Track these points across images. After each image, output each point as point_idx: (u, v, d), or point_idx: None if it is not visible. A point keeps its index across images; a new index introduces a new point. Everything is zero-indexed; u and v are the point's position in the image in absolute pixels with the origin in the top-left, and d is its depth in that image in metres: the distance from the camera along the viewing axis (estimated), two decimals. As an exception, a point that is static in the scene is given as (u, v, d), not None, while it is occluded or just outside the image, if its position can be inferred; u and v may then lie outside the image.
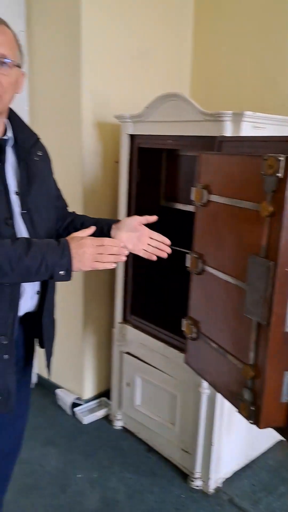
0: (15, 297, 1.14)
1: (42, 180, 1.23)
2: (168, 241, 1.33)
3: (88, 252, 1.08)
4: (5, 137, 1.17)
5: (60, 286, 2.33)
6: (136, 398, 2.14)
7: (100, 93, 2.08)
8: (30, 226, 1.16)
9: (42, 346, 1.34)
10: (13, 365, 1.17)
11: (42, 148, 1.29)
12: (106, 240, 1.12)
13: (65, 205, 1.45)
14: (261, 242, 1.19)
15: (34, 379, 2.62)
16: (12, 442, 1.46)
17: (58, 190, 1.42)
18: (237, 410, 1.33)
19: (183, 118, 1.68)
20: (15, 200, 1.15)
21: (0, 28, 1.10)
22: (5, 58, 1.08)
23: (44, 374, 2.60)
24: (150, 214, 2.12)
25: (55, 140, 2.17)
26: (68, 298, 2.34)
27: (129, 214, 2.00)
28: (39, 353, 2.62)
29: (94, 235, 1.18)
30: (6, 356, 1.14)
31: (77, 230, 1.23)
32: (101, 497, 1.87)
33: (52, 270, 1.06)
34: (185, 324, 1.61)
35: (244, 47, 2.14)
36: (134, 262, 2.06)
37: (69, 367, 2.43)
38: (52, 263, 1.05)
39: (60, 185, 2.16)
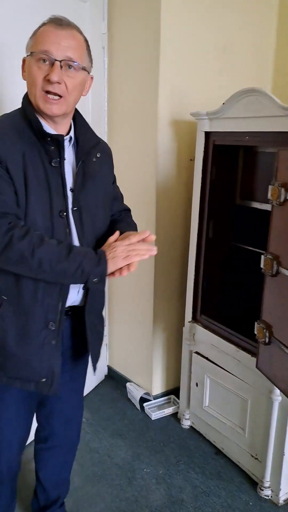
0: (65, 287, 1.21)
1: (97, 181, 1.27)
2: (147, 233, 1.26)
3: (120, 251, 1.17)
4: (66, 136, 1.22)
5: (131, 282, 2.38)
6: (205, 398, 2.12)
7: (178, 91, 2.07)
8: (79, 222, 1.22)
9: (89, 344, 1.33)
10: (59, 351, 1.24)
11: (103, 151, 1.33)
12: (135, 237, 1.20)
13: (120, 209, 1.48)
14: None
15: (105, 371, 2.70)
16: (72, 430, 1.54)
17: (116, 193, 1.45)
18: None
19: (262, 113, 1.61)
20: (69, 196, 1.21)
21: (72, 33, 1.14)
22: (73, 61, 1.12)
23: (115, 367, 2.67)
24: (224, 213, 2.09)
25: (131, 138, 2.22)
26: (138, 294, 2.38)
27: (202, 213, 1.98)
28: (111, 347, 2.69)
29: None
30: (53, 342, 1.22)
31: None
32: (166, 494, 1.88)
33: (87, 276, 1.14)
34: (257, 327, 1.56)
35: None
36: (206, 260, 2.03)
37: (139, 362, 2.47)
38: (88, 270, 1.13)
39: (133, 183, 2.22)
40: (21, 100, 1.23)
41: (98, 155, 1.29)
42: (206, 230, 2.00)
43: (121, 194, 1.51)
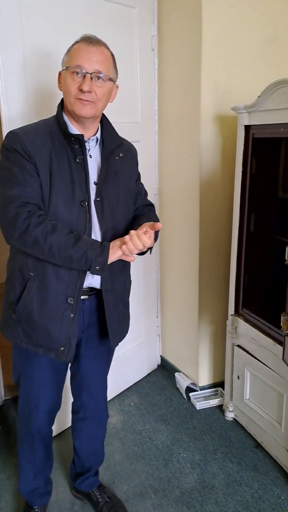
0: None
1: (118, 176, 1.43)
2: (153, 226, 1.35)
3: (116, 245, 1.32)
4: (93, 137, 1.39)
5: (179, 276, 2.46)
6: (246, 391, 2.13)
7: (222, 86, 2.11)
8: (101, 212, 1.37)
9: (108, 322, 1.46)
10: (76, 325, 1.39)
11: (126, 151, 1.48)
12: (131, 233, 1.31)
13: (143, 204, 1.59)
14: None
15: (157, 360, 2.81)
16: (99, 404, 1.67)
17: (139, 189, 1.58)
18: None
19: (294, 104, 1.60)
20: (93, 189, 1.37)
21: (100, 49, 1.31)
22: (101, 73, 1.29)
23: (167, 357, 2.77)
24: (266, 206, 2.09)
25: (178, 135, 2.30)
26: (184, 286, 2.45)
27: (243, 207, 1.99)
28: (163, 338, 2.79)
29: None
30: (71, 315, 1.38)
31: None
32: (198, 478, 1.94)
33: (90, 264, 1.28)
34: (282, 320, 1.56)
35: None
36: (247, 254, 2.04)
37: (187, 354, 2.54)
38: (91, 259, 1.27)
39: (180, 178, 2.29)
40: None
41: (120, 155, 1.44)
42: (247, 224, 2.02)
43: (145, 190, 1.64)
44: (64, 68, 1.32)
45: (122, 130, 1.52)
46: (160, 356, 2.82)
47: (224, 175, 2.21)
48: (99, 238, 1.38)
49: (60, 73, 1.35)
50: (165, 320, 2.73)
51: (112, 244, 1.33)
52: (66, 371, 1.57)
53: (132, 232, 1.30)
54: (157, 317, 2.74)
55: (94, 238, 1.37)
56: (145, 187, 1.64)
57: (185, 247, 2.37)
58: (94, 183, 1.38)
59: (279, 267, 2.08)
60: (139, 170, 1.60)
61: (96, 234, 1.38)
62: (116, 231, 1.41)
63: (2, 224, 1.28)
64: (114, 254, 1.31)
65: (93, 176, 1.39)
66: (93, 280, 1.41)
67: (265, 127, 1.82)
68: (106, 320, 1.45)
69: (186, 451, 2.10)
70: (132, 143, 1.57)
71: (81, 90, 1.28)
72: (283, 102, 1.67)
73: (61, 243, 1.25)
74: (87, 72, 1.28)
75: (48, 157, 1.29)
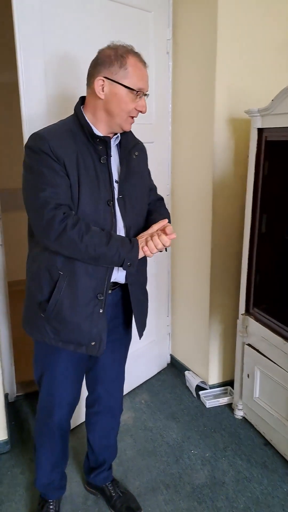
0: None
1: (136, 175, 1.49)
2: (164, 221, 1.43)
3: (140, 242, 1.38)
4: (114, 137, 1.44)
5: (191, 276, 2.50)
6: (256, 390, 2.16)
7: (236, 90, 2.15)
8: (123, 209, 1.42)
9: (135, 315, 1.56)
10: (105, 319, 1.44)
11: (140, 150, 1.54)
12: (154, 226, 1.40)
13: (155, 198, 1.66)
14: None
15: (167, 359, 2.85)
16: (114, 397, 1.71)
17: (151, 184, 1.63)
18: None
19: (307, 108, 1.64)
20: (115, 187, 1.41)
21: (145, 66, 1.38)
22: (147, 91, 1.39)
23: (177, 355, 2.81)
24: (278, 207, 2.12)
25: (192, 137, 2.34)
26: (195, 286, 2.48)
27: (255, 208, 2.03)
28: (173, 337, 2.83)
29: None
30: (101, 310, 1.43)
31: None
32: (209, 475, 1.97)
33: (122, 260, 1.34)
34: (294, 317, 1.59)
35: None
36: (259, 255, 2.07)
37: (197, 352, 2.58)
38: (123, 256, 1.33)
39: (193, 179, 2.33)
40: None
41: (136, 154, 1.50)
42: (259, 225, 2.05)
43: (155, 186, 1.69)
44: (121, 84, 1.32)
45: (137, 131, 1.55)
46: (170, 354, 2.86)
47: (236, 176, 2.25)
48: (123, 235, 1.44)
49: (103, 80, 1.33)
50: (175, 319, 2.77)
51: (141, 239, 1.39)
52: (86, 365, 1.61)
53: (153, 231, 1.37)
54: (167, 316, 2.78)
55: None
56: (159, 187, 1.70)
57: (197, 246, 2.41)
58: (115, 181, 1.43)
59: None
60: (153, 170, 1.66)
61: (120, 231, 1.43)
62: (138, 227, 1.48)
63: (38, 226, 1.31)
64: (141, 250, 1.37)
65: (114, 175, 1.44)
66: (118, 275, 1.46)
67: (278, 130, 1.85)
68: (130, 312, 1.53)
69: (197, 448, 2.14)
70: (146, 144, 1.63)
71: (139, 111, 1.38)
72: (296, 105, 1.70)
73: (95, 242, 1.29)
74: (144, 94, 1.37)
75: (75, 158, 1.33)
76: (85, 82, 1.41)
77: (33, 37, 1.75)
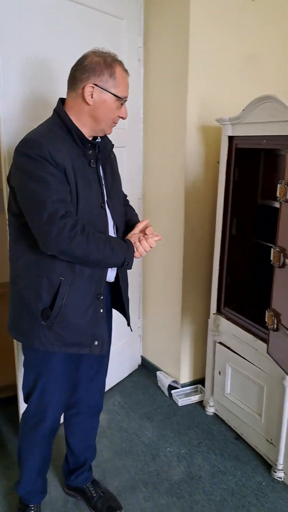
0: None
1: (117, 176, 1.57)
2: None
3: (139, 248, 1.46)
4: (98, 141, 1.47)
5: (162, 277, 2.56)
6: (227, 386, 2.25)
7: (207, 99, 2.24)
8: (113, 210, 1.49)
9: (123, 309, 1.65)
10: (105, 317, 1.50)
11: (113, 152, 1.60)
12: (139, 225, 1.51)
13: (124, 196, 1.73)
14: None
15: (138, 360, 2.89)
16: (96, 396, 1.74)
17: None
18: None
19: (276, 118, 1.74)
20: (103, 190, 1.46)
21: (128, 75, 1.44)
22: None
23: (148, 357, 2.86)
24: (247, 211, 2.23)
25: (163, 143, 2.41)
26: (167, 288, 2.55)
27: (226, 212, 2.12)
28: (144, 338, 2.87)
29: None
30: (101, 310, 1.47)
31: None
32: (186, 470, 2.03)
33: (123, 261, 1.40)
34: (267, 315, 1.68)
35: None
36: (230, 256, 2.17)
37: (169, 352, 2.64)
38: (124, 256, 1.40)
39: (165, 184, 2.41)
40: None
41: (112, 156, 1.57)
42: (230, 228, 2.15)
43: None
44: (111, 93, 1.37)
45: (111, 136, 1.60)
46: (141, 356, 2.90)
47: (207, 181, 2.34)
48: (114, 236, 1.50)
49: (93, 87, 1.35)
50: (146, 321, 2.82)
51: (132, 239, 1.45)
52: (77, 366, 1.62)
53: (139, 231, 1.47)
54: (139, 318, 2.82)
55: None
56: (130, 190, 1.81)
57: (169, 249, 2.48)
58: (102, 184, 1.47)
59: (258, 268, 2.23)
60: (125, 174, 1.72)
61: (111, 232, 1.48)
62: (123, 226, 1.55)
63: (46, 235, 1.28)
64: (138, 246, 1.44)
65: (101, 178, 1.47)
66: (109, 275, 1.52)
67: (247, 138, 1.96)
68: (117, 308, 1.61)
69: (172, 446, 2.19)
70: (119, 149, 1.70)
71: (121, 117, 1.45)
72: (265, 116, 1.81)
73: (100, 246, 1.33)
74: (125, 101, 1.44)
75: (71, 163, 1.34)
76: (60, 84, 1.43)
77: (10, 41, 1.75)
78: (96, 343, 1.47)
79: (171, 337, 2.60)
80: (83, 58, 1.39)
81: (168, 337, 2.62)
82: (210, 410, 2.41)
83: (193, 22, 2.11)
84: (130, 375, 2.82)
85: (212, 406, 2.40)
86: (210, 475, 2.00)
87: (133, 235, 1.47)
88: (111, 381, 2.65)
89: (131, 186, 2.50)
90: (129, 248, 1.41)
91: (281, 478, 1.94)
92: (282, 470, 1.93)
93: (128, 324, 1.71)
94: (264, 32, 2.32)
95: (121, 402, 2.54)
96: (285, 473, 1.93)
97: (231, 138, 2.05)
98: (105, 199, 1.46)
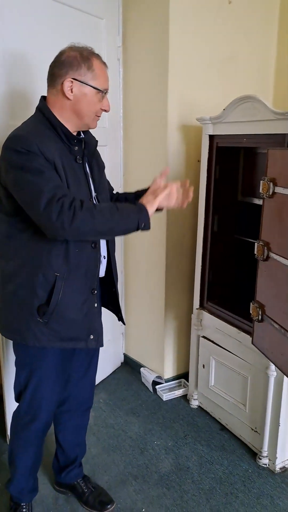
0: (97, 259, 1.48)
1: (103, 171, 1.59)
2: (187, 181, 1.55)
3: (149, 194, 1.45)
4: (83, 137, 1.49)
5: (144, 275, 2.60)
6: (211, 379, 2.31)
7: (187, 98, 2.29)
8: None
9: (112, 304, 1.67)
10: (99, 312, 1.53)
11: (97, 150, 1.60)
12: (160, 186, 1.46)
13: (112, 189, 1.77)
14: None
15: (121, 358, 2.92)
16: (87, 392, 1.76)
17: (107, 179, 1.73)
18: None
19: (256, 118, 1.81)
20: (91, 186, 1.49)
21: (107, 68, 1.45)
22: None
23: (131, 354, 2.88)
24: (228, 208, 2.29)
25: (144, 142, 2.44)
26: (150, 285, 2.59)
27: (208, 209, 2.18)
28: (127, 336, 2.90)
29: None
30: (96, 305, 1.50)
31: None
32: (174, 462, 2.08)
33: (137, 222, 1.36)
34: (252, 307, 1.75)
35: None
36: (212, 252, 2.23)
37: (152, 349, 2.68)
38: (137, 217, 1.36)
39: (146, 182, 2.43)
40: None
41: (97, 152, 1.58)
42: (212, 225, 2.21)
43: None
44: (91, 86, 1.38)
45: (92, 134, 1.62)
46: (124, 353, 2.93)
47: (188, 178, 2.38)
48: None
49: (71, 81, 1.37)
50: (129, 319, 2.85)
51: (145, 200, 1.41)
52: (69, 361, 1.63)
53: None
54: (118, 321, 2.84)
55: None
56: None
57: (152, 247, 2.51)
58: (90, 179, 1.49)
59: (239, 263, 2.30)
60: (107, 172, 1.72)
61: None
62: None
63: (49, 221, 1.28)
64: (152, 207, 1.40)
65: (87, 173, 1.49)
66: (102, 268, 1.55)
67: (228, 137, 2.02)
68: (105, 304, 1.64)
69: (159, 439, 2.23)
70: (101, 147, 1.71)
71: (104, 110, 1.45)
72: (246, 115, 1.88)
73: (107, 215, 1.32)
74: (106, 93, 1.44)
75: (59, 159, 1.35)
76: (39, 82, 1.44)
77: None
78: (91, 337, 1.50)
79: (154, 333, 2.64)
80: (60, 54, 1.40)
81: (152, 334, 2.66)
82: (194, 403, 2.47)
83: (172, 23, 2.15)
84: (113, 372, 2.84)
85: (196, 399, 2.46)
86: (197, 466, 2.05)
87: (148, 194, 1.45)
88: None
89: (113, 184, 2.52)
90: (141, 209, 1.37)
91: (266, 464, 2.01)
92: (266, 456, 2.01)
93: (120, 319, 1.73)
94: (240, 34, 2.39)
95: (106, 399, 2.56)
96: (269, 460, 2.00)
97: (211, 137, 2.11)
98: (94, 194, 1.48)
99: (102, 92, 1.42)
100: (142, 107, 2.41)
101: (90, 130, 1.56)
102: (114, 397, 2.58)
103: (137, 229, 1.38)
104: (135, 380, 2.74)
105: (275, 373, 1.88)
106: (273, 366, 1.86)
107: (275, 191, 1.54)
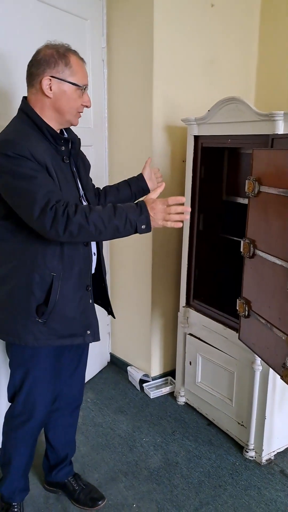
0: (90, 256, 1.50)
1: (88, 169, 1.61)
2: (183, 199, 1.39)
3: (158, 211, 1.34)
4: (69, 136, 1.51)
5: (130, 274, 2.62)
6: (198, 375, 2.35)
7: (171, 99, 2.32)
8: (90, 203, 1.53)
9: (104, 299, 1.71)
10: (94, 307, 1.56)
11: (80, 146, 1.61)
12: (171, 199, 1.35)
13: (94, 185, 1.76)
14: (302, 226, 1.35)
15: (108, 357, 2.93)
16: (77, 389, 1.78)
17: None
18: (280, 377, 1.49)
19: (241, 119, 1.86)
20: (79, 185, 1.50)
21: (84, 63, 1.45)
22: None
23: (117, 353, 2.90)
24: (213, 207, 2.34)
25: (128, 142, 2.47)
26: (138, 285, 2.61)
27: (193, 208, 2.22)
28: (113, 335, 2.91)
29: (126, 198, 1.66)
30: (90, 301, 1.52)
31: (117, 198, 1.67)
32: (163, 458, 2.11)
33: (135, 226, 1.32)
34: (238, 303, 1.79)
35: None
36: (197, 251, 2.27)
37: (139, 347, 2.70)
38: (134, 220, 1.31)
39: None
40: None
41: (81, 151, 1.60)
42: (197, 224, 2.25)
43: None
44: (69, 82, 1.38)
45: (77, 134, 1.62)
46: (110, 353, 2.94)
47: (173, 179, 2.42)
48: None
49: (50, 79, 1.37)
50: (115, 319, 2.86)
51: (147, 201, 1.36)
52: (59, 359, 1.64)
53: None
54: (107, 315, 2.85)
55: None
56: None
57: (138, 246, 2.54)
58: (77, 178, 1.51)
59: (225, 261, 2.35)
60: (92, 172, 1.71)
61: None
62: None
63: (44, 227, 1.28)
64: (157, 206, 1.34)
65: (74, 173, 1.51)
66: (93, 265, 1.56)
67: (213, 137, 2.06)
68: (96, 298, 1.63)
69: (147, 436, 2.26)
70: (86, 147, 1.71)
71: (85, 106, 1.45)
72: (230, 116, 1.92)
73: (103, 218, 1.29)
74: (86, 89, 1.44)
75: (50, 161, 1.36)
76: (21, 82, 1.45)
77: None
78: (88, 332, 1.52)
79: (141, 332, 2.66)
80: (37, 53, 1.41)
81: (138, 333, 2.69)
82: (181, 400, 2.50)
83: (156, 25, 2.18)
84: (100, 372, 2.85)
85: (183, 395, 2.49)
86: (186, 460, 2.09)
87: (150, 198, 1.39)
88: (82, 378, 2.67)
89: (98, 183, 2.53)
90: (142, 210, 1.32)
91: (252, 457, 2.06)
92: (253, 449, 2.06)
93: (109, 313, 1.77)
94: (223, 37, 2.44)
95: (94, 398, 2.57)
96: (256, 452, 2.05)
97: (196, 138, 2.15)
98: (82, 192, 1.50)
99: (82, 87, 1.42)
100: (127, 107, 2.43)
101: (73, 130, 1.56)
102: (102, 396, 2.60)
103: (136, 232, 1.34)
104: (122, 379, 2.76)
105: (260, 367, 1.93)
106: (258, 361, 1.91)
107: (260, 190, 1.59)
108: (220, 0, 2.38)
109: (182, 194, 2.28)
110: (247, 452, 2.07)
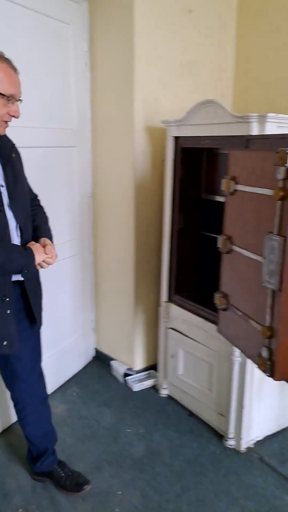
0: None
1: (20, 177, 1.58)
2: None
3: (40, 258, 1.53)
4: None
5: (114, 271, 2.69)
6: (179, 368, 2.43)
7: (151, 102, 2.40)
8: (16, 213, 1.52)
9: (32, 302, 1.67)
10: (13, 317, 1.54)
11: (16, 152, 1.61)
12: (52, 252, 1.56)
13: (34, 196, 1.77)
14: (274, 222, 1.43)
15: (92, 352, 2.99)
16: (37, 384, 1.81)
17: (28, 183, 1.72)
18: (257, 366, 1.58)
19: (218, 120, 1.94)
20: (4, 193, 1.49)
21: (16, 73, 1.44)
22: (20, 97, 1.47)
23: (102, 348, 2.97)
24: (192, 206, 2.42)
25: (111, 143, 2.54)
26: (120, 281, 2.68)
27: (173, 207, 2.30)
28: (97, 331, 2.97)
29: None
30: (8, 311, 1.52)
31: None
32: (146, 447, 2.18)
33: (21, 269, 1.49)
34: (217, 297, 1.87)
35: (281, 57, 2.38)
36: (178, 248, 2.35)
37: (122, 342, 2.77)
38: (22, 264, 1.48)
39: (114, 181, 2.54)
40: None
41: (13, 155, 1.58)
42: (177, 221, 2.33)
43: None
44: None
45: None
46: (95, 348, 3.01)
47: (153, 178, 2.50)
48: (18, 240, 1.53)
49: None
50: (99, 314, 2.93)
51: (34, 247, 1.51)
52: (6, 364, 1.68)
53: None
54: (92, 311, 2.92)
55: (14, 243, 1.52)
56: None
57: (121, 244, 2.61)
58: (1, 186, 1.49)
59: (204, 257, 2.44)
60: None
61: (15, 237, 1.52)
62: (29, 228, 1.58)
63: None
64: (39, 255, 1.50)
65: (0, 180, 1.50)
66: (17, 275, 1.55)
67: (192, 138, 2.15)
68: (30, 303, 1.63)
69: (131, 427, 2.33)
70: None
71: (12, 116, 1.45)
72: (207, 118, 2.01)
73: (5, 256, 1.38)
74: (17, 100, 1.44)
75: None
76: None
77: None
78: (5, 343, 1.51)
79: (124, 327, 2.73)
80: None
81: (122, 328, 2.76)
82: (164, 392, 2.58)
83: (137, 29, 2.25)
84: (85, 367, 2.91)
85: (166, 388, 2.57)
86: (168, 450, 2.17)
87: (36, 244, 1.54)
88: (67, 373, 2.73)
89: (82, 184, 2.61)
90: (29, 256, 1.48)
91: (232, 445, 2.15)
92: (233, 438, 2.15)
93: (34, 322, 1.69)
94: (200, 41, 2.53)
95: (79, 392, 2.63)
96: (235, 441, 2.14)
97: (176, 138, 2.23)
98: (5, 201, 1.48)
99: (7, 97, 1.40)
100: (110, 109, 2.50)
101: (6, 134, 1.55)
102: (87, 390, 2.66)
103: (20, 272, 1.48)
104: (107, 373, 2.83)
105: (239, 359, 2.02)
106: (236, 352, 2.01)
107: (236, 188, 1.67)
108: (198, 6, 2.46)
109: (162, 192, 2.36)
110: (227, 440, 2.16)
